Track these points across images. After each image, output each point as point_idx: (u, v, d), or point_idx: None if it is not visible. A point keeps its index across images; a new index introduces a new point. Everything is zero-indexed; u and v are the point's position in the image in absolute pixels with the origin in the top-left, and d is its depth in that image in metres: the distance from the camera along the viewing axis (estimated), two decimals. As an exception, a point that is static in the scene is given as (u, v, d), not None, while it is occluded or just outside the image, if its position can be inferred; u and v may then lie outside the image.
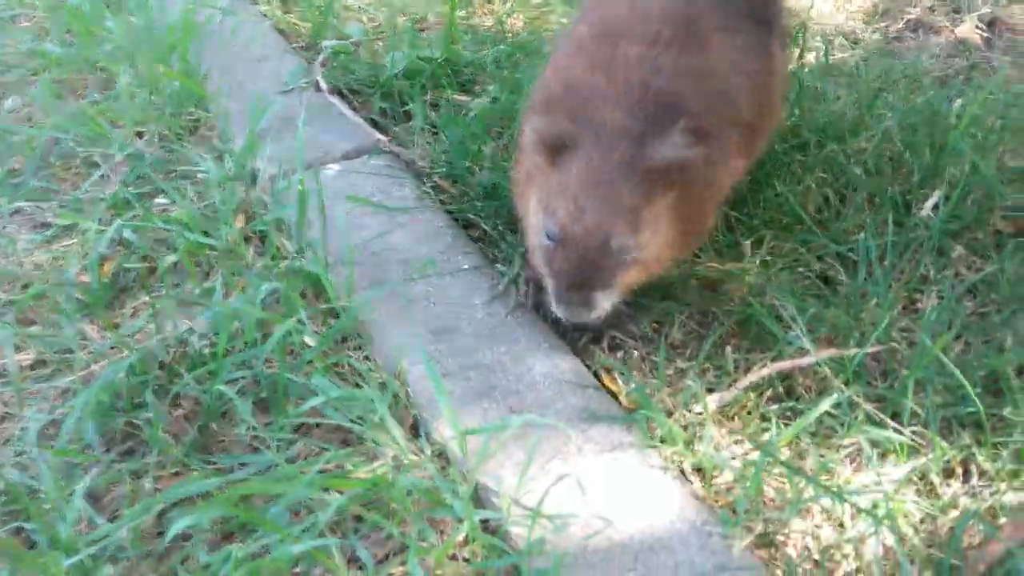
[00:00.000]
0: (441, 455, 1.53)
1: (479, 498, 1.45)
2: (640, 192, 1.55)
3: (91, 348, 1.77)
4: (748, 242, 1.94)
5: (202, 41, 2.81)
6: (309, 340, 1.74)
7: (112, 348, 1.76)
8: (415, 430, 1.59)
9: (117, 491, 1.52)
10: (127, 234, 2.03)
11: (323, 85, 2.62)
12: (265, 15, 3.11)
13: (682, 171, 1.57)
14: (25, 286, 1.93)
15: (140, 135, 2.44)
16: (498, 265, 1.94)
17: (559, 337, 1.77)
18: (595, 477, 1.46)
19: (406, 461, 1.49)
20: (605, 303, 1.60)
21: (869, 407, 1.54)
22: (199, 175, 2.25)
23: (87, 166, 2.35)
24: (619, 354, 1.75)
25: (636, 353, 1.74)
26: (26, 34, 3.00)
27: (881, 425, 1.52)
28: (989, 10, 2.94)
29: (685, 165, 1.56)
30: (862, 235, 1.92)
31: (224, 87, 2.62)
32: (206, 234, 2.01)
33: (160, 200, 2.19)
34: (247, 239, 2.03)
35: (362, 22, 3.02)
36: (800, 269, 1.89)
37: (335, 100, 2.55)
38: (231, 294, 1.85)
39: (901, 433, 1.50)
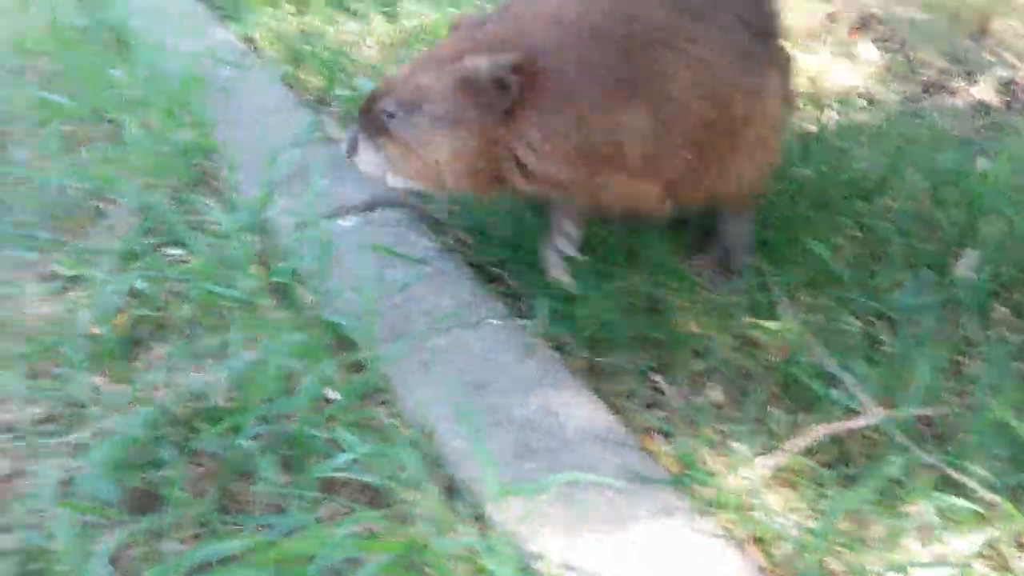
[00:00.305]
0: (478, 518, 1.44)
1: (522, 564, 1.36)
2: (441, 86, 1.62)
3: (103, 402, 1.68)
4: (784, 297, 1.88)
5: (211, 93, 2.77)
6: (333, 394, 1.65)
7: (129, 403, 1.67)
8: (448, 491, 1.51)
9: (133, 552, 1.41)
10: (139, 285, 1.95)
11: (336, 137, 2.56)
12: (274, 69, 3.07)
13: (491, 103, 1.58)
14: (33, 339, 1.83)
15: (148, 186, 2.37)
16: (521, 321, 1.86)
17: (594, 392, 1.69)
18: (648, 544, 1.37)
19: (442, 523, 1.40)
20: (368, 159, 1.75)
21: (942, 468, 1.46)
22: (210, 226, 2.18)
23: (95, 217, 2.27)
24: (657, 413, 1.67)
25: (680, 402, 1.66)
26: (33, 85, 2.94)
27: (947, 491, 1.44)
28: (1005, 72, 2.93)
29: (493, 97, 1.57)
30: (899, 294, 1.86)
31: (233, 139, 2.57)
32: (227, 286, 1.93)
33: (171, 251, 2.12)
34: (263, 290, 1.95)
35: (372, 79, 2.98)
36: (840, 326, 1.83)
37: (350, 152, 2.49)
38: (249, 346, 1.77)
39: (971, 499, 1.41)
